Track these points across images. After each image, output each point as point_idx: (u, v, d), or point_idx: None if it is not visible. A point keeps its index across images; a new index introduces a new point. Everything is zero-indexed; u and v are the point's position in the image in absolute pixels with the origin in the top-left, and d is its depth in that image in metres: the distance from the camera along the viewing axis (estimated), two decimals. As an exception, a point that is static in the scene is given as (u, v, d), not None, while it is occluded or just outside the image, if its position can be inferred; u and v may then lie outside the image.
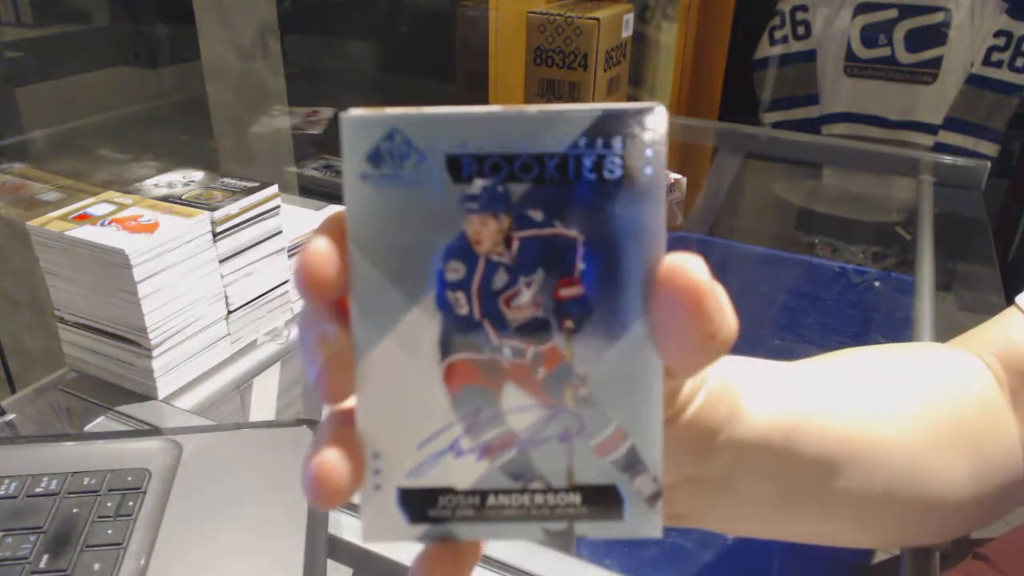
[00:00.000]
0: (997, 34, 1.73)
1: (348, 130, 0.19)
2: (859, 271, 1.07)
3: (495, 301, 0.20)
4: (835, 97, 1.91)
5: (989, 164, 1.11)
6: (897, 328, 0.90)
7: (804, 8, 1.87)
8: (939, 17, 1.76)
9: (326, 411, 0.22)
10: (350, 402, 0.21)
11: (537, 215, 0.19)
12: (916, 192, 1.07)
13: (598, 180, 0.19)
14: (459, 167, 0.19)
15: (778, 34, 1.90)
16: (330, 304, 0.20)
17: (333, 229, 0.20)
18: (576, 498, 0.21)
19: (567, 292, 0.20)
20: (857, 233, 1.27)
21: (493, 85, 1.30)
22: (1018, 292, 0.44)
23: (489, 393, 0.20)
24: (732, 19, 1.82)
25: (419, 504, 0.21)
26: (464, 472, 0.21)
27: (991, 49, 1.74)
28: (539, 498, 0.21)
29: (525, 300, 0.20)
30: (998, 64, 1.74)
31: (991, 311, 0.45)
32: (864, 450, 0.34)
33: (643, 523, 0.21)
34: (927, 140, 1.85)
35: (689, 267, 0.19)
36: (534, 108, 0.19)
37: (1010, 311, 0.44)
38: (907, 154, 1.24)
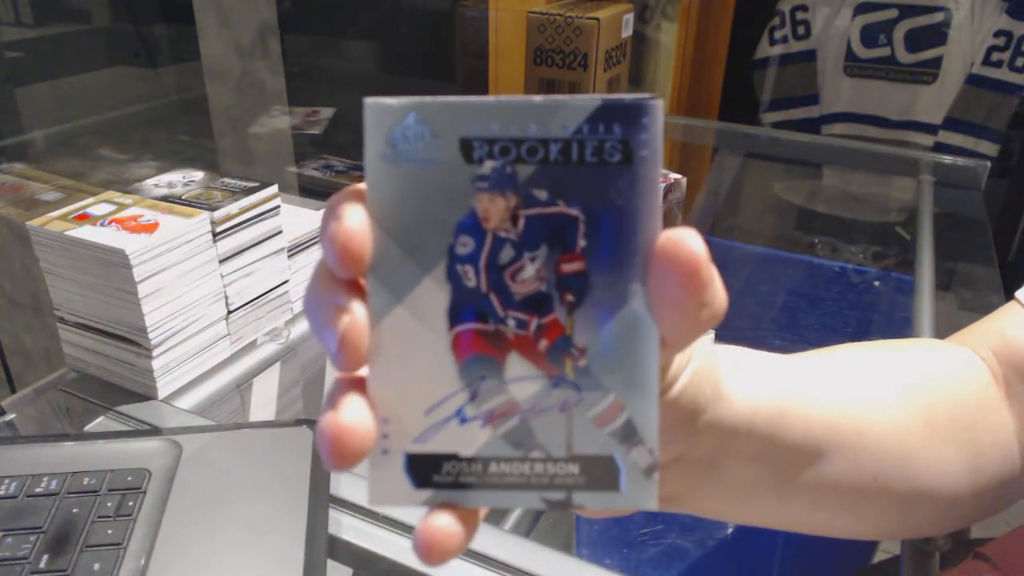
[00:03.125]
0: (997, 34, 1.73)
1: (371, 114, 0.21)
2: (859, 271, 1.07)
3: (501, 274, 0.21)
4: (835, 97, 1.91)
5: (989, 164, 1.11)
6: (897, 328, 0.90)
7: (804, 8, 1.87)
8: (939, 17, 1.76)
9: (330, 379, 0.22)
10: (362, 370, 0.22)
11: (542, 195, 0.21)
12: (916, 192, 1.07)
13: (599, 163, 0.20)
14: (471, 149, 0.21)
15: (778, 34, 1.90)
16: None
17: (356, 204, 0.21)
18: (574, 468, 0.22)
19: (569, 267, 0.21)
20: (857, 233, 1.28)
21: (493, 85, 1.30)
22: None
23: (494, 362, 0.22)
24: (732, 19, 1.82)
25: (425, 470, 0.22)
26: (468, 439, 0.22)
27: (991, 49, 1.74)
28: (539, 467, 0.22)
29: (529, 274, 0.21)
30: (998, 64, 1.74)
31: (991, 311, 0.45)
32: (851, 437, 0.34)
33: (640, 494, 0.22)
34: (927, 140, 1.85)
35: (687, 238, 0.20)
36: (540, 97, 0.20)
37: (1010, 306, 0.43)
38: (907, 154, 1.24)
